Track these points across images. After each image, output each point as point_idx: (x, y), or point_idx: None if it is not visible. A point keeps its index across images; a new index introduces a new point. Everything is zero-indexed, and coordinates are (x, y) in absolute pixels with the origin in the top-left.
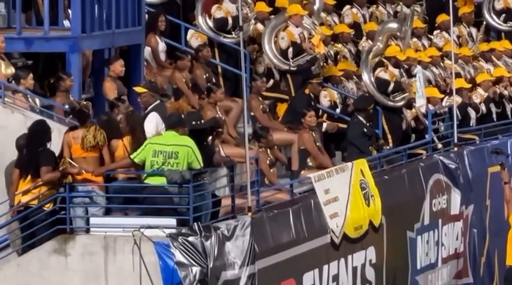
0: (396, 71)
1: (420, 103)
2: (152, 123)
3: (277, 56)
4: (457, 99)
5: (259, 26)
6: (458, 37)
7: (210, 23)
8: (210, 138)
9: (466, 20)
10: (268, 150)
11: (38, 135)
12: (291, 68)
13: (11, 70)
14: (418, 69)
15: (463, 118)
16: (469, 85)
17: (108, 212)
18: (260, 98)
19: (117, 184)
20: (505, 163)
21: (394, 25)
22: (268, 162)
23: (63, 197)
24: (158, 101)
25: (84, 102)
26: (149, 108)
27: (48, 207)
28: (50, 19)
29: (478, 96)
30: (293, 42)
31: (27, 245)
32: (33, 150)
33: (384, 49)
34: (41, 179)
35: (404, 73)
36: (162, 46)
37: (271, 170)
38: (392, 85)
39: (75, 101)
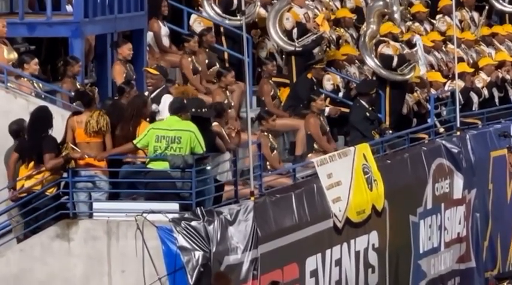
0: (397, 45)
1: (424, 71)
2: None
3: (282, 38)
4: (459, 84)
5: (261, 11)
6: (461, 21)
7: (216, 7)
8: (215, 123)
9: (468, 4)
10: (270, 135)
11: (40, 121)
12: (297, 49)
13: (14, 55)
14: (417, 37)
15: (465, 102)
16: (472, 70)
17: (111, 197)
18: (272, 83)
19: (120, 169)
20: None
21: (379, 3)
22: (269, 146)
23: (66, 182)
24: (164, 85)
25: (90, 87)
26: (156, 92)
27: (51, 192)
28: (52, 4)
29: (481, 80)
30: (298, 22)
31: (29, 231)
32: (35, 137)
33: (378, 30)
34: (44, 166)
35: (405, 46)
36: (164, 31)
37: (272, 154)
38: (396, 59)
39: (81, 85)
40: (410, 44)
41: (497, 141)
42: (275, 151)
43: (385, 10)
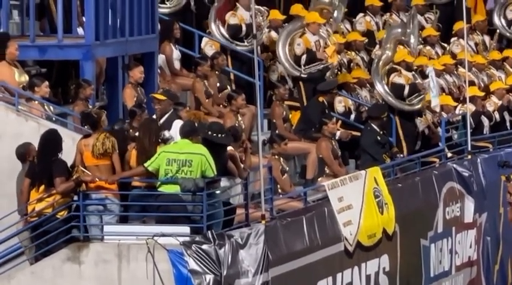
0: (410, 74)
1: (435, 103)
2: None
3: (289, 61)
4: (470, 107)
5: (273, 34)
6: (476, 44)
7: (223, 30)
8: (229, 147)
9: (479, 28)
10: (281, 158)
11: (50, 144)
12: (302, 75)
13: (25, 78)
14: (430, 69)
15: (476, 126)
16: (483, 94)
17: (122, 220)
18: (284, 106)
19: (131, 192)
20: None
21: (397, 30)
22: (280, 169)
23: (77, 205)
24: (172, 109)
25: (97, 109)
26: (165, 117)
27: (62, 215)
28: (63, 27)
29: (492, 104)
30: (308, 49)
31: (40, 254)
32: (45, 160)
33: (392, 57)
34: (55, 190)
35: (417, 75)
36: (176, 54)
37: (283, 177)
38: (407, 88)
39: (87, 107)
40: (423, 73)
41: (503, 169)
42: (286, 175)
43: (403, 38)
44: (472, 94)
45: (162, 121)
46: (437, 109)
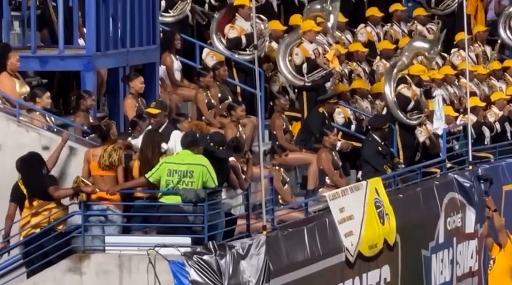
0: (418, 90)
1: (438, 126)
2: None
3: (291, 72)
4: (472, 118)
5: (274, 45)
6: (477, 55)
7: (224, 42)
8: (232, 158)
9: (480, 38)
10: (282, 169)
11: (32, 167)
12: (306, 84)
13: (26, 89)
14: (438, 93)
15: (477, 136)
16: (484, 104)
17: (124, 232)
18: (284, 117)
19: (132, 203)
20: (489, 191)
21: (425, 45)
22: (281, 180)
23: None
24: (167, 121)
25: (107, 120)
26: (161, 128)
27: (60, 228)
28: (64, 38)
29: (493, 114)
30: (307, 57)
31: (40, 265)
32: (32, 179)
33: (408, 66)
34: (53, 195)
35: (422, 94)
36: (177, 64)
37: (284, 188)
38: (412, 103)
39: (95, 119)
40: (428, 93)
41: (510, 174)
42: (287, 185)
43: (426, 53)
44: (473, 104)
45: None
46: (440, 132)
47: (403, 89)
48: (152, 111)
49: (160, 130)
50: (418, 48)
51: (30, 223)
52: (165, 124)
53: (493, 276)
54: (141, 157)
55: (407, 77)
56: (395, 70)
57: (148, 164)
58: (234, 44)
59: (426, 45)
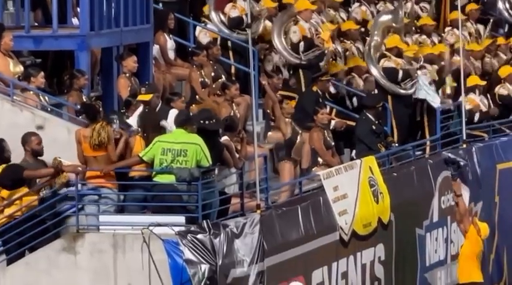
0: (400, 60)
1: (437, 103)
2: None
3: (287, 50)
4: (472, 97)
5: (267, 23)
6: (470, 34)
7: (225, 20)
8: (225, 137)
9: (472, 16)
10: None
11: None
12: (302, 62)
13: (20, 68)
14: (419, 77)
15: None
16: (484, 83)
17: (119, 212)
18: (277, 96)
19: (126, 182)
20: (456, 175)
21: (388, 17)
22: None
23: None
24: (160, 102)
25: (93, 101)
26: (157, 109)
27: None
28: (58, 17)
29: (506, 88)
30: (304, 36)
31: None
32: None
33: (381, 43)
34: (32, 177)
35: (411, 61)
36: (170, 44)
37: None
38: (401, 73)
39: (87, 98)
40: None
41: (504, 153)
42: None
43: (393, 25)
44: (473, 83)
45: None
46: (435, 106)
47: (385, 63)
48: (144, 97)
49: (157, 110)
50: (384, 23)
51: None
52: (159, 105)
53: (459, 263)
54: (143, 138)
55: (386, 52)
56: (372, 51)
57: (148, 144)
58: (236, 23)
59: (389, 17)
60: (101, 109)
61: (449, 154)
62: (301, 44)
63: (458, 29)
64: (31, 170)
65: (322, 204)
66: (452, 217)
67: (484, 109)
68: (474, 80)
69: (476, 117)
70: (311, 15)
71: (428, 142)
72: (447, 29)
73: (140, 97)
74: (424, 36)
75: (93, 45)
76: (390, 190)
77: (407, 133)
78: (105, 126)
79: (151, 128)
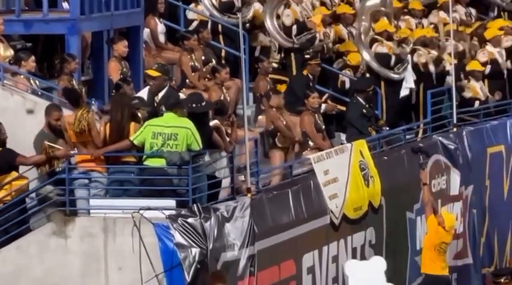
0: (391, 44)
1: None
2: None
3: (280, 33)
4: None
5: (257, 5)
6: (460, 17)
7: (216, 3)
8: (216, 121)
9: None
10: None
11: None
12: (294, 45)
13: (10, 52)
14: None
15: (468, 100)
16: (483, 68)
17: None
18: (268, 79)
19: (117, 166)
20: (424, 164)
21: (376, 1)
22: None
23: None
24: (168, 85)
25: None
26: (162, 92)
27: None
28: (48, 1)
29: (486, 53)
30: (296, 19)
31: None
32: None
33: (370, 27)
34: (26, 163)
35: (402, 45)
36: (161, 28)
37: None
38: (393, 58)
39: (70, 83)
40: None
41: (494, 137)
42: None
43: (382, 8)
44: (472, 68)
45: (159, 96)
46: (402, 94)
47: (378, 47)
48: (151, 73)
49: (160, 95)
50: (371, 7)
51: None
52: (166, 88)
53: (423, 251)
54: (111, 121)
55: (376, 36)
56: (362, 36)
57: (118, 128)
58: (227, 6)
59: (377, 1)
60: (83, 93)
61: (420, 144)
62: (294, 27)
63: (448, 11)
64: (23, 157)
65: (312, 188)
66: (442, 200)
67: (483, 98)
68: (474, 65)
69: (476, 104)
70: None
71: (421, 125)
72: (434, 11)
73: (148, 71)
74: (412, 20)
75: (83, 29)
76: (381, 173)
77: (399, 117)
78: (85, 113)
79: (121, 112)
